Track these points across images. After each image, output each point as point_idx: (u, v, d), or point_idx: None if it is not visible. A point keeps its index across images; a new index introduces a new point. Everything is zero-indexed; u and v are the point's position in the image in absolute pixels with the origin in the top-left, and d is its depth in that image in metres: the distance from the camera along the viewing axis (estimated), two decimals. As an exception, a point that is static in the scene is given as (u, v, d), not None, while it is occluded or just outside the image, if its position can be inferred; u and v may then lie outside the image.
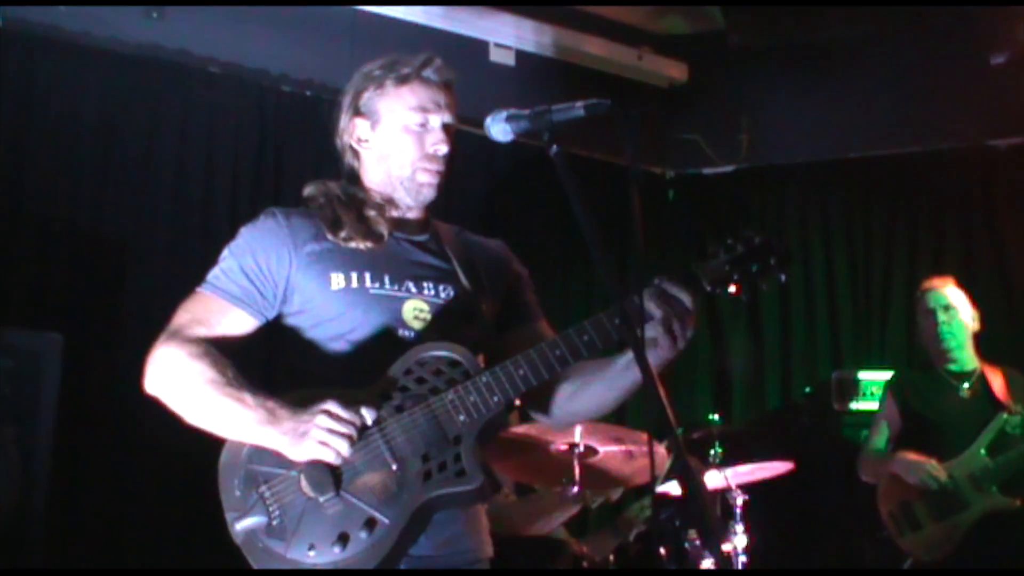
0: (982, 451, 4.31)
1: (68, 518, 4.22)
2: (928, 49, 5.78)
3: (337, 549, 2.00)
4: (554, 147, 2.00)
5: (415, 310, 2.21)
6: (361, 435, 2.04)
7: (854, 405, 5.48)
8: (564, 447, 4.06)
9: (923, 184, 5.86)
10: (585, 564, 4.03)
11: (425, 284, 2.25)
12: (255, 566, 2.04)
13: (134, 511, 4.39)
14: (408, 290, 2.23)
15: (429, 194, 2.32)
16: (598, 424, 4.05)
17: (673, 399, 1.79)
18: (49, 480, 4.00)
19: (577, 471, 4.05)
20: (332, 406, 2.01)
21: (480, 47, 5.61)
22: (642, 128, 6.02)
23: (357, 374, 2.12)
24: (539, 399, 2.31)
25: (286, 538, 2.02)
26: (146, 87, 4.76)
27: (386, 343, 2.16)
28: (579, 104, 2.01)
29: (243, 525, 2.05)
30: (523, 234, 5.68)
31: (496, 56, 5.66)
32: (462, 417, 2.08)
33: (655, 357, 2.09)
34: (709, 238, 6.19)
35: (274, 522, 2.03)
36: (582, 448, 4.06)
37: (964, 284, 4.65)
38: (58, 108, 4.55)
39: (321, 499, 2.02)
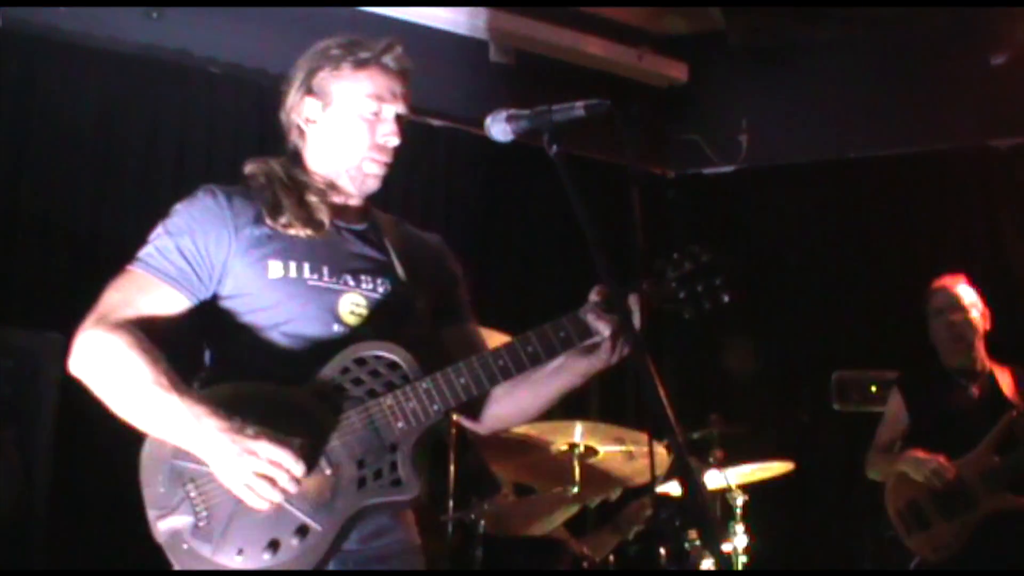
0: (991, 450, 4.29)
1: (68, 518, 4.22)
2: (928, 49, 5.78)
3: (267, 556, 1.93)
4: (554, 147, 2.00)
5: (352, 304, 2.14)
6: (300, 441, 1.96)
7: (854, 405, 5.47)
8: (564, 447, 4.07)
9: (923, 184, 5.85)
10: (585, 564, 4.03)
11: (363, 277, 2.19)
12: (177, 567, 1.97)
13: (134, 511, 4.38)
14: (346, 283, 2.16)
15: (373, 185, 2.28)
16: (598, 424, 4.05)
17: (673, 399, 1.79)
18: (49, 480, 4.00)
19: (577, 471, 4.05)
20: (264, 448, 1.90)
21: (480, 47, 5.61)
22: (642, 128, 6.02)
23: (288, 366, 2.06)
24: (466, 402, 2.22)
25: (213, 540, 1.94)
26: (146, 87, 4.77)
27: (320, 337, 2.10)
28: (579, 104, 2.01)
29: (167, 524, 1.98)
30: (522, 234, 5.68)
31: (496, 56, 5.66)
32: (400, 424, 2.03)
33: (587, 365, 2.12)
34: (709, 238, 6.21)
35: (200, 523, 1.96)
36: (582, 448, 4.06)
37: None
38: (58, 108, 4.55)
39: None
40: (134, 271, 2.14)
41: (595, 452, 4.13)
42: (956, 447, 4.32)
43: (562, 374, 2.15)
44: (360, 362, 2.06)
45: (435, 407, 2.05)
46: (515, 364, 2.09)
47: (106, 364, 2.04)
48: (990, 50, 5.60)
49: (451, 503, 3.95)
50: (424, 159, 5.30)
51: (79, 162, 4.59)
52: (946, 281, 4.57)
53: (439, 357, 2.15)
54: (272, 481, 1.91)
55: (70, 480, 4.24)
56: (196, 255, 2.13)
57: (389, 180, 2.31)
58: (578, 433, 4.00)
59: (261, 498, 1.92)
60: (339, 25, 5.10)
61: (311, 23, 5.11)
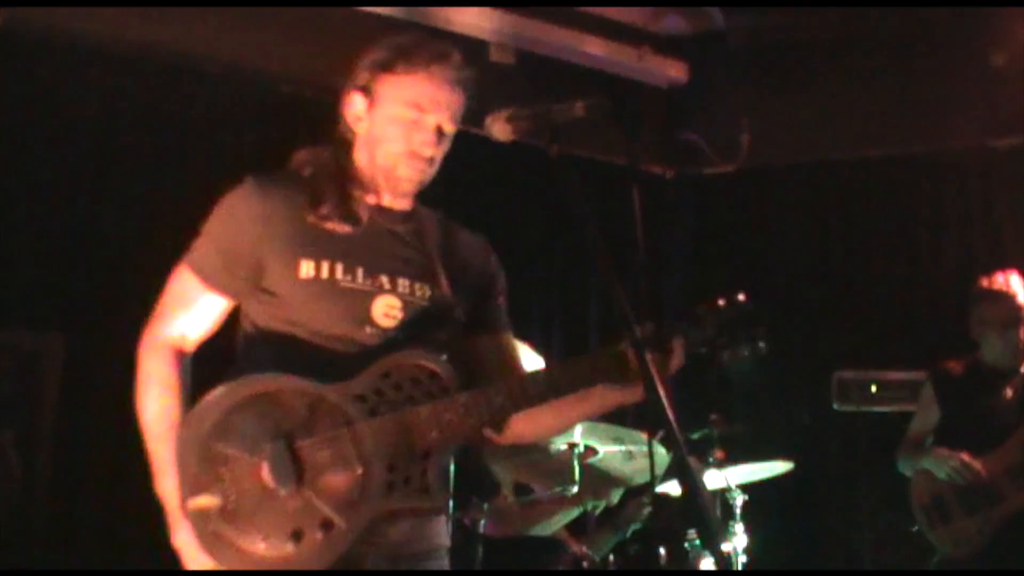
0: (1019, 446, 4.22)
1: (68, 518, 4.22)
2: (928, 49, 5.78)
3: (290, 546, 1.95)
4: (554, 147, 2.00)
5: (386, 307, 2.15)
6: (329, 434, 2.00)
7: (854, 405, 5.47)
8: (564, 447, 4.07)
9: (923, 184, 5.86)
10: (585, 564, 4.03)
11: (400, 280, 2.18)
12: (201, 543, 1.99)
13: (134, 511, 4.38)
14: (381, 286, 2.16)
15: (409, 189, 2.27)
16: (598, 424, 4.05)
17: (673, 399, 1.79)
18: (49, 480, 4.01)
19: (577, 471, 4.05)
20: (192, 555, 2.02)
21: (480, 47, 5.61)
22: (642, 128, 6.02)
23: (316, 366, 2.06)
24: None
25: (238, 524, 1.96)
26: (146, 87, 4.77)
27: (351, 339, 2.11)
28: (579, 104, 2.01)
29: (196, 504, 1.99)
30: (522, 235, 5.68)
31: (496, 56, 5.65)
32: (435, 434, 2.03)
33: (620, 397, 2.17)
34: (709, 238, 6.23)
35: (229, 506, 1.97)
36: (582, 448, 4.07)
37: (964, 284, 4.63)
38: (58, 108, 4.55)
39: (282, 491, 1.97)
40: (181, 271, 2.24)
41: (595, 452, 4.13)
42: (987, 445, 4.23)
43: (589, 401, 2.18)
44: (401, 369, 2.07)
45: (471, 422, 2.06)
46: (552, 391, 2.12)
47: (138, 390, 2.22)
48: (990, 50, 5.60)
49: (451, 503, 3.95)
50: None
51: (79, 162, 4.59)
52: (1012, 288, 4.37)
53: (472, 366, 2.17)
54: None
55: (70, 480, 4.25)
56: (232, 254, 2.18)
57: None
58: (578, 433, 4.00)
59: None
60: (339, 25, 5.14)
61: (311, 23, 5.12)
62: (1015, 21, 5.51)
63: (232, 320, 2.27)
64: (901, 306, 5.74)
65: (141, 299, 4.64)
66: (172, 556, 4.43)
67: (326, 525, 1.97)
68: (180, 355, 2.21)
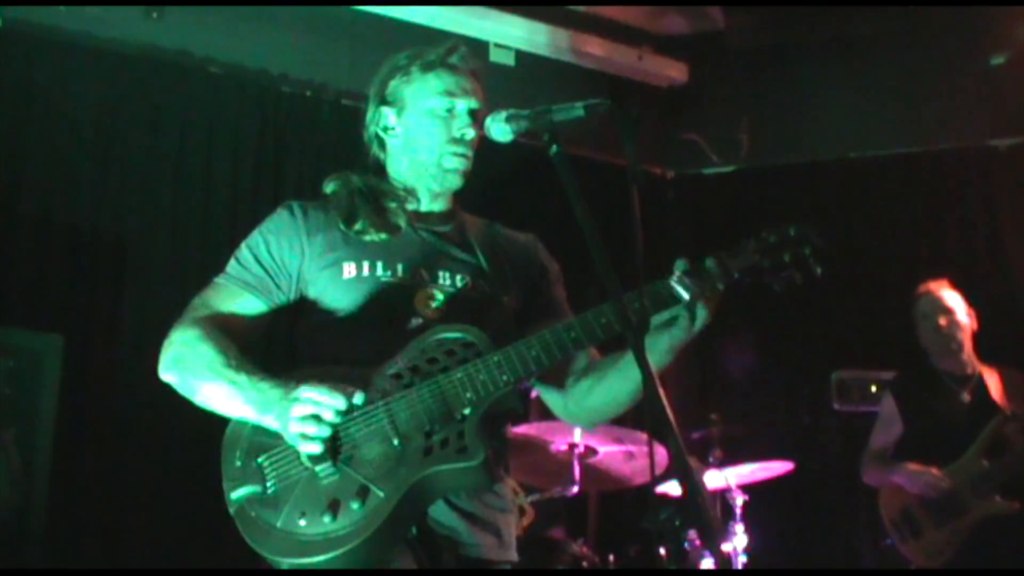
0: (979, 455, 4.29)
1: (68, 518, 4.22)
2: (928, 49, 5.78)
3: (327, 518, 1.98)
4: (554, 147, 2.00)
5: (427, 299, 2.22)
6: (364, 410, 2.04)
7: (854, 405, 5.47)
8: (564, 447, 4.07)
9: (923, 184, 5.85)
10: (585, 564, 4.03)
11: (440, 274, 2.26)
12: (246, 537, 2.03)
13: (134, 511, 4.39)
14: (421, 279, 2.24)
15: (455, 180, 2.35)
16: (598, 424, 4.05)
17: (673, 399, 1.79)
18: (49, 480, 4.01)
19: (577, 471, 4.06)
20: (306, 391, 2.00)
21: (480, 47, 5.61)
22: (642, 128, 6.02)
23: (366, 360, 2.12)
24: (558, 395, 2.31)
25: (279, 508, 2.01)
26: (146, 87, 4.77)
27: (396, 331, 2.16)
28: (579, 104, 2.02)
29: (237, 494, 2.04)
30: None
31: (496, 56, 5.65)
32: (469, 394, 2.06)
33: (669, 338, 2.11)
34: (709, 238, 6.22)
35: (268, 492, 2.03)
36: (582, 448, 4.07)
37: (964, 284, 4.65)
38: (58, 108, 4.55)
39: (318, 469, 2.02)
40: (217, 282, 2.28)
41: (595, 452, 4.13)
42: (949, 453, 4.33)
43: (647, 353, 2.16)
44: (436, 344, 2.12)
45: (505, 378, 2.08)
46: (587, 335, 2.11)
47: (180, 357, 2.16)
48: (990, 50, 5.60)
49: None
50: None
51: (79, 162, 4.59)
52: (930, 285, 4.60)
53: None
54: (317, 419, 1.98)
55: (70, 480, 4.24)
56: (271, 263, 2.27)
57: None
58: (578, 433, 4.00)
59: (312, 439, 1.99)
60: (339, 25, 5.14)
61: (311, 23, 5.12)
62: (1015, 21, 5.52)
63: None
64: (901, 306, 5.73)
65: (141, 299, 4.67)
66: (172, 556, 4.43)
67: (362, 494, 1.99)
68: (214, 320, 2.21)
